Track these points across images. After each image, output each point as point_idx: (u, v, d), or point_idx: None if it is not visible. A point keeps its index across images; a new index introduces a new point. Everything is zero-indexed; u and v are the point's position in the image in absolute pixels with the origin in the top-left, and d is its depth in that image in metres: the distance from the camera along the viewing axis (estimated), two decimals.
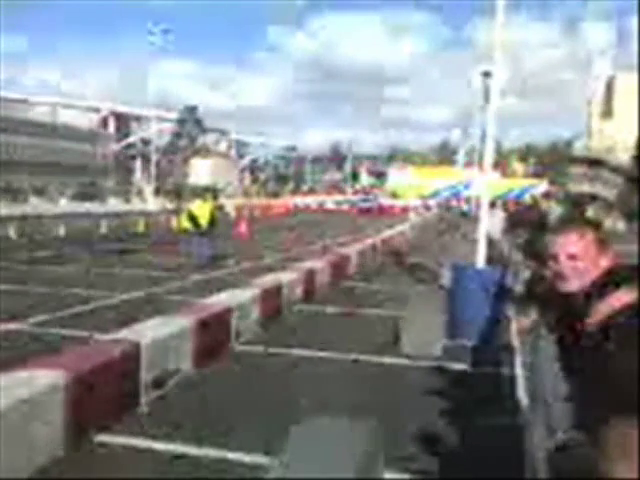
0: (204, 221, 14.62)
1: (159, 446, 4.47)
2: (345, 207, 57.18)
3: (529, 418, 4.14)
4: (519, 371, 5.95)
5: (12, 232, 20.67)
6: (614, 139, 31.82)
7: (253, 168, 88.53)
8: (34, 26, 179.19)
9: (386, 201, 59.04)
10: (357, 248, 15.60)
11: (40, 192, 48.49)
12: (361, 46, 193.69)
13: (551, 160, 76.85)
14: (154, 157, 49.67)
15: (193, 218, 14.70)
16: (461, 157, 59.18)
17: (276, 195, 68.29)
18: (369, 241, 17.80)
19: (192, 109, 72.01)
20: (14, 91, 63.99)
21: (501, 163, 63.52)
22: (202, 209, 14.83)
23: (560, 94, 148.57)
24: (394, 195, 63.09)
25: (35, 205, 39.36)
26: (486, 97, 9.50)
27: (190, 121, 71.21)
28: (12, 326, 7.91)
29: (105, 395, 4.71)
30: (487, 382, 6.27)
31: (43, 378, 4.22)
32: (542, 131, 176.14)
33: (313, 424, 2.81)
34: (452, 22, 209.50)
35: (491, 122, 9.26)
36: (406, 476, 4.09)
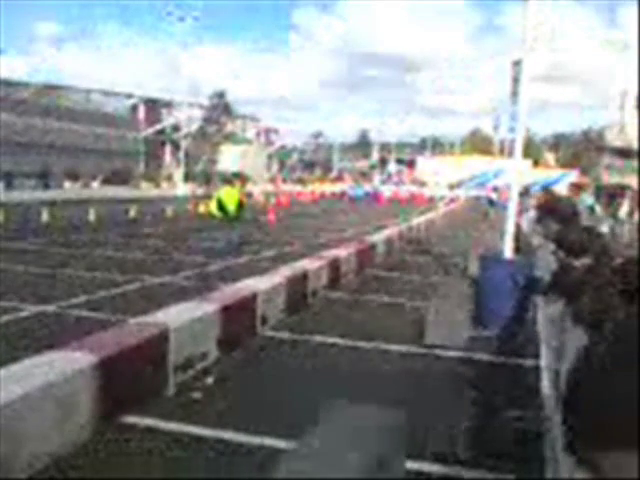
0: (232, 207, 14.71)
1: (185, 429, 4.56)
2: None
3: (553, 409, 4.13)
4: (545, 362, 5.91)
5: (45, 216, 21.06)
6: None
7: (281, 155, 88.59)
8: (68, 12, 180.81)
9: (414, 189, 58.58)
10: (383, 236, 15.56)
11: (73, 177, 49.23)
12: (391, 30, 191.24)
13: (582, 150, 75.46)
14: (183, 143, 50.11)
15: (221, 204, 14.80)
16: (495, 146, 58.43)
17: (303, 182, 68.18)
18: (396, 229, 17.74)
19: (220, 94, 72.23)
20: (49, 77, 64.99)
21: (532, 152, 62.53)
22: (230, 195, 14.91)
23: (596, 82, 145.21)
24: (422, 183, 62.61)
25: (68, 189, 40.03)
26: (516, 84, 9.31)
27: (218, 107, 71.47)
28: (43, 308, 8.09)
29: (133, 378, 4.81)
30: (512, 373, 6.25)
31: (72, 360, 4.33)
32: (576, 119, 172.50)
33: (334, 411, 2.84)
34: (486, 6, 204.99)
35: (521, 109, 9.14)
36: (428, 465, 4.11)
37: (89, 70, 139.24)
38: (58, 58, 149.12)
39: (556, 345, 4.46)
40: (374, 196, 51.66)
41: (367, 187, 60.07)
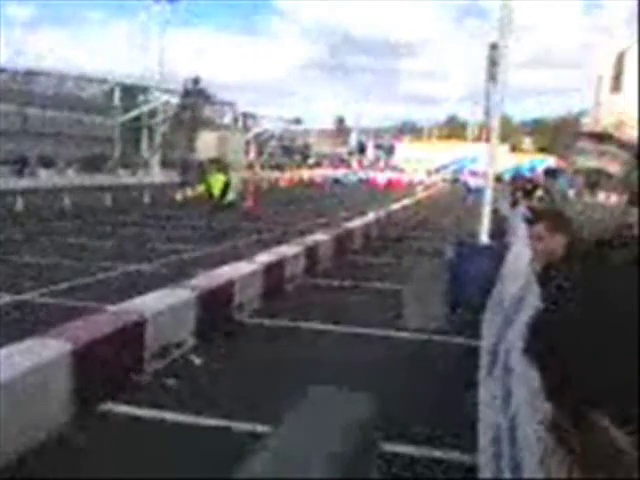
0: (216, 191, 14.76)
1: (162, 415, 4.57)
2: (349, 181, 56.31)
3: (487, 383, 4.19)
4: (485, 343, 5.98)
5: (19, 205, 20.75)
6: (622, 114, 31.39)
7: (259, 141, 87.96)
8: None
9: (392, 175, 58.62)
10: (361, 222, 15.61)
11: (48, 164, 48.43)
12: (371, 15, 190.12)
13: (558, 135, 76.04)
14: (160, 129, 49.54)
15: (208, 189, 14.94)
16: (470, 131, 58.73)
17: (281, 168, 67.89)
18: (373, 215, 17.80)
19: (195, 80, 71.37)
20: (20, 61, 63.59)
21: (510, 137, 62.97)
22: (216, 180, 14.97)
23: (576, 66, 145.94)
24: (401, 169, 62.72)
25: (43, 176, 39.36)
26: (492, 69, 9.38)
27: (193, 93, 70.59)
28: (19, 297, 8.01)
29: (109, 365, 4.80)
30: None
31: (48, 348, 4.30)
32: (557, 105, 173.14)
33: (311, 394, 2.86)
34: None
35: (497, 94, 9.20)
36: (403, 447, 4.18)
37: (63, 55, 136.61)
38: (31, 43, 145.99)
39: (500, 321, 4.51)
40: (366, 182, 52.00)
41: (361, 174, 59.86)
